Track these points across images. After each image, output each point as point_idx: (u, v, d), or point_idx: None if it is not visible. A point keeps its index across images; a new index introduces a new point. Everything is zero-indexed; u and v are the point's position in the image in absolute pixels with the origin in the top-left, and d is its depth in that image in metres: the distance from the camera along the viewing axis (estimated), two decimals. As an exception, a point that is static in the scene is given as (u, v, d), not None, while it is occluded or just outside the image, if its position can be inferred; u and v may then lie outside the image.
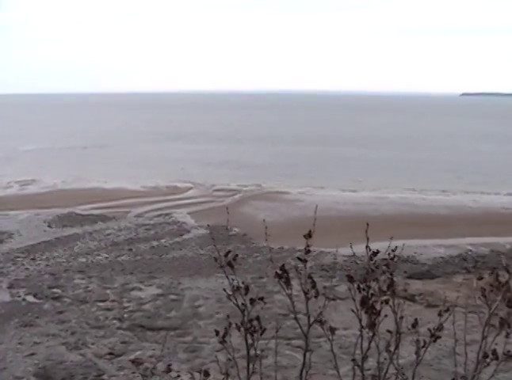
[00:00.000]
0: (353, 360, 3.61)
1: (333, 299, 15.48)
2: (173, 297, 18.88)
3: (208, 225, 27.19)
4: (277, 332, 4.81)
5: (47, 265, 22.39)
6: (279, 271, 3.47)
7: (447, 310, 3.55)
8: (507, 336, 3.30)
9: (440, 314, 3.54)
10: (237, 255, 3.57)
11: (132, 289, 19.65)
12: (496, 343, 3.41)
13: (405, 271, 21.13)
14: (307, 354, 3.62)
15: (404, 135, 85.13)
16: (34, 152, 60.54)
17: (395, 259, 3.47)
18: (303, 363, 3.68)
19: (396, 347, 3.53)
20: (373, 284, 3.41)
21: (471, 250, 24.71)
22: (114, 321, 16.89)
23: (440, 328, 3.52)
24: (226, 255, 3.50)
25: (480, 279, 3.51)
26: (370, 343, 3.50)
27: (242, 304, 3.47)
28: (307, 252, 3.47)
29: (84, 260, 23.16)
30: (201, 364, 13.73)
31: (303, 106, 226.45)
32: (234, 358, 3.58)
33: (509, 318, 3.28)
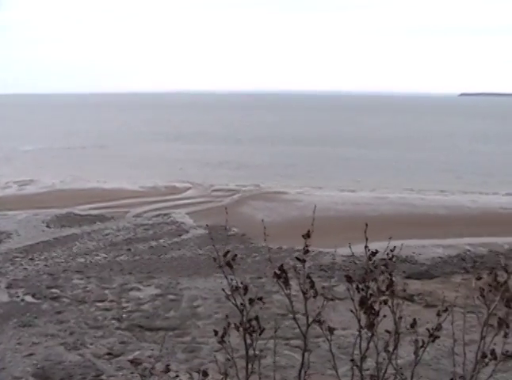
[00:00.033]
0: (352, 360, 3.60)
1: (331, 299, 15.48)
2: (171, 297, 18.87)
3: (207, 225, 27.19)
4: (275, 332, 4.80)
5: (46, 265, 22.37)
6: (277, 271, 3.46)
7: (446, 310, 3.55)
8: (506, 336, 3.30)
9: (438, 314, 3.54)
10: (236, 255, 3.56)
11: (131, 289, 19.64)
12: (495, 343, 3.41)
13: (404, 271, 21.14)
14: (306, 354, 3.62)
15: (403, 135, 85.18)
16: (33, 152, 60.50)
17: (394, 259, 3.47)
18: (302, 363, 3.68)
19: (395, 348, 3.53)
20: (372, 284, 3.41)
21: (469, 250, 24.74)
22: (113, 321, 16.88)
23: (438, 328, 3.52)
24: (225, 255, 3.50)
25: (479, 279, 3.51)
26: (369, 343, 3.50)
27: (241, 304, 3.47)
28: (306, 252, 3.46)
29: (82, 260, 23.14)
30: (200, 364, 13.72)
31: (303, 106, 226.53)
32: (233, 358, 3.57)
33: (507, 318, 3.28)
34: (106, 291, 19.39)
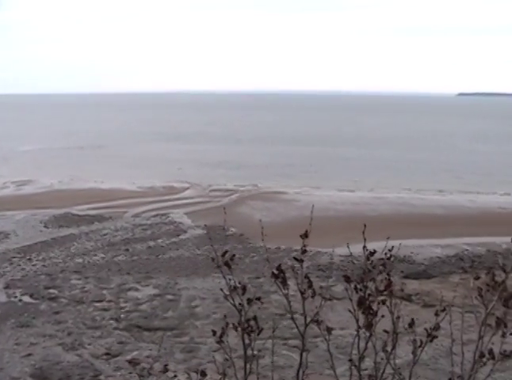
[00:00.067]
0: (350, 360, 3.60)
1: (329, 299, 15.48)
2: (169, 297, 18.87)
3: (205, 225, 27.18)
4: (273, 332, 4.80)
5: (44, 265, 22.34)
6: (275, 271, 3.46)
7: (444, 310, 3.55)
8: (504, 335, 3.30)
9: (436, 314, 3.54)
10: (234, 255, 3.56)
11: (129, 289, 19.62)
12: (493, 343, 3.41)
13: (402, 271, 21.16)
14: (304, 354, 3.62)
15: (402, 135, 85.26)
16: (31, 152, 60.44)
17: (392, 259, 3.47)
18: (300, 363, 3.67)
19: (393, 347, 3.53)
20: (370, 284, 3.40)
21: (467, 250, 24.77)
22: (111, 322, 16.87)
23: (436, 327, 3.52)
24: (223, 255, 3.49)
25: (477, 278, 3.51)
26: (367, 343, 3.50)
27: (240, 304, 3.46)
28: (304, 252, 3.46)
29: (80, 260, 23.13)
30: (198, 364, 13.72)
31: (303, 106, 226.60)
32: (231, 358, 3.57)
33: (505, 318, 3.28)
34: (104, 291, 19.38)
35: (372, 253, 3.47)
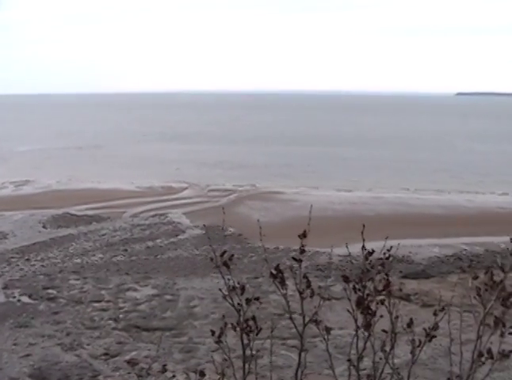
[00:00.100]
0: (349, 360, 3.60)
1: (328, 299, 15.49)
2: (168, 297, 18.86)
3: (204, 225, 27.16)
4: (272, 332, 4.79)
5: (42, 266, 22.32)
6: (274, 271, 3.46)
7: (442, 310, 3.55)
8: (502, 335, 3.31)
9: (435, 314, 3.54)
10: (233, 255, 3.56)
11: (128, 289, 19.61)
12: (491, 343, 3.42)
13: (400, 271, 21.17)
14: (303, 354, 3.62)
15: (400, 135, 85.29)
16: (30, 152, 60.38)
17: (391, 259, 3.47)
18: (299, 363, 3.67)
19: (392, 347, 3.53)
20: (369, 284, 3.40)
21: (466, 249, 24.80)
22: (109, 322, 16.86)
23: (435, 327, 3.52)
24: (221, 255, 3.49)
25: (475, 278, 3.51)
26: (366, 343, 3.50)
27: (238, 304, 3.46)
28: (302, 251, 3.46)
29: (79, 260, 23.11)
30: (197, 364, 13.73)
31: (303, 106, 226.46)
32: (230, 358, 3.57)
33: (504, 317, 3.28)
34: (103, 292, 19.36)
35: (371, 253, 3.47)
